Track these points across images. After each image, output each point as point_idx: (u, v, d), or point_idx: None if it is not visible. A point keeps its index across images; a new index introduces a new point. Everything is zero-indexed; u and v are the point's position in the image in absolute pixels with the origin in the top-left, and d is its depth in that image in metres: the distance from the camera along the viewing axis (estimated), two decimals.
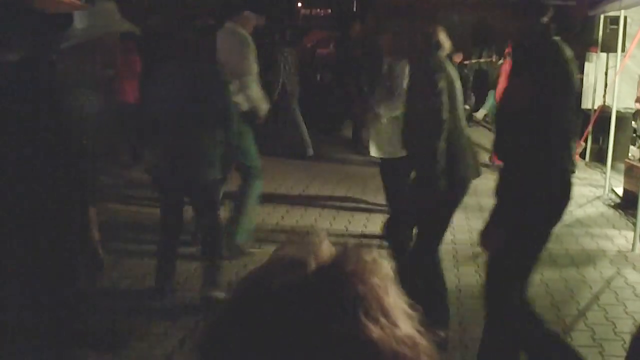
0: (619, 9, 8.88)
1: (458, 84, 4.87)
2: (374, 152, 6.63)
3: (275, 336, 0.88)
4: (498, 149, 4.16)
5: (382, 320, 0.92)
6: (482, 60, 14.94)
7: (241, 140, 6.21)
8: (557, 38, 3.92)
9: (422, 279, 4.93)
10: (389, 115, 6.42)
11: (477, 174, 4.97)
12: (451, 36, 4.97)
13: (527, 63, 3.88)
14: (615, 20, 9.58)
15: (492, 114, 12.56)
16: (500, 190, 3.95)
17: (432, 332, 0.97)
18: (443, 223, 4.97)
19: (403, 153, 6.22)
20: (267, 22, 8.34)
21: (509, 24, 4.13)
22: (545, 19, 3.92)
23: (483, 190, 5.98)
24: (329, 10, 22.09)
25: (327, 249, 0.98)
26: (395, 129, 6.39)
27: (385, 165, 6.63)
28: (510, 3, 4.00)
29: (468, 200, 6.56)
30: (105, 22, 4.47)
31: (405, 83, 6.28)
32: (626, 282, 6.26)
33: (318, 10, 22.58)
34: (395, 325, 0.93)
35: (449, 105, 4.65)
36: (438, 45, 4.85)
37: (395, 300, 0.95)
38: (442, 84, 4.64)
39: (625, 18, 9.29)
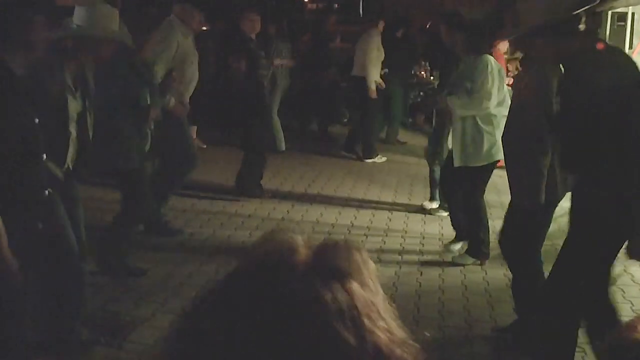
0: (627, 6, 8.85)
1: None
2: (460, 161, 6.37)
3: (270, 341, 0.85)
4: (569, 164, 3.99)
5: (382, 324, 0.90)
6: None
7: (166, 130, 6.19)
8: (603, 43, 3.78)
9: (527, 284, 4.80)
10: (462, 113, 6.30)
11: None
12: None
13: (579, 74, 3.73)
14: (622, 17, 9.55)
15: None
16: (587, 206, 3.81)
17: (416, 333, 0.96)
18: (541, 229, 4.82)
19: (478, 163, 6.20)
20: (265, 16, 8.35)
21: (546, 46, 3.88)
22: (581, 27, 3.75)
23: (504, 188, 5.86)
24: (336, 5, 22.11)
25: (308, 246, 0.95)
26: (473, 136, 6.29)
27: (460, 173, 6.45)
28: (542, 28, 3.77)
29: (489, 197, 6.56)
30: (103, 27, 4.53)
31: (487, 84, 6.14)
32: (633, 279, 6.23)
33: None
34: (392, 328, 0.91)
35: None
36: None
37: (384, 301, 0.94)
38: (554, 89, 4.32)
39: (633, 15, 9.27)
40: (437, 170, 7.66)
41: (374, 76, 10.67)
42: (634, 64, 3.81)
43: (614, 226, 3.75)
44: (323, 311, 0.86)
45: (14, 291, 3.75)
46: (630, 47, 9.31)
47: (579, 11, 3.68)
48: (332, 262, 0.92)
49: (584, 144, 3.72)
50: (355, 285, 0.89)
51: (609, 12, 9.82)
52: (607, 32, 10.01)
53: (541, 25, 3.77)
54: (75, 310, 4.57)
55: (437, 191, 7.98)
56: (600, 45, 3.75)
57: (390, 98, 11.64)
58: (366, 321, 0.87)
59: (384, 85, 11.21)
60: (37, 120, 3.68)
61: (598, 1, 3.78)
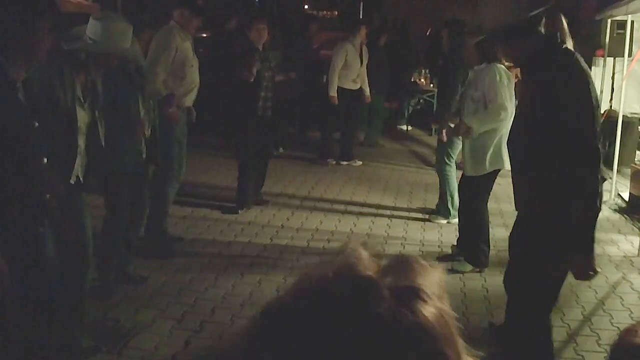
0: (626, 14, 8.86)
1: None
2: (468, 171, 6.34)
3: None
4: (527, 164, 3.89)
5: (464, 350, 0.85)
6: None
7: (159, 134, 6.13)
8: (564, 47, 3.76)
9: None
10: (482, 130, 6.20)
11: None
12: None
13: (536, 75, 3.73)
14: (622, 25, 9.55)
15: None
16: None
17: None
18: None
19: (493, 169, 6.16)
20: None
21: (509, 50, 3.95)
22: (540, 29, 3.77)
23: (503, 196, 5.87)
24: (336, 13, 22.18)
25: (379, 262, 0.88)
26: (488, 143, 6.22)
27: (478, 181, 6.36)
28: (498, 30, 3.80)
29: (488, 205, 6.58)
30: (117, 43, 4.57)
31: (500, 95, 6.06)
32: (632, 287, 6.24)
33: (325, 12, 22.60)
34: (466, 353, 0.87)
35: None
36: (565, 39, 3.90)
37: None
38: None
39: (632, 23, 9.27)
40: (451, 180, 7.65)
41: (342, 83, 10.84)
42: (586, 69, 3.79)
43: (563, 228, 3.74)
44: (432, 337, 0.80)
45: (13, 297, 3.76)
46: (630, 54, 9.32)
47: (535, 13, 3.68)
48: (418, 282, 0.84)
49: (538, 144, 3.72)
50: (444, 307, 0.84)
51: (609, 20, 9.84)
52: (607, 40, 10.01)
53: (500, 28, 3.78)
54: (76, 318, 4.58)
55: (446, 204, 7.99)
56: (560, 47, 3.75)
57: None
58: (460, 348, 0.84)
59: (368, 96, 11.34)
60: (36, 124, 3.70)
61: (552, 3, 3.76)
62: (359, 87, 11.07)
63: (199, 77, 7.00)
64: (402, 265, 0.87)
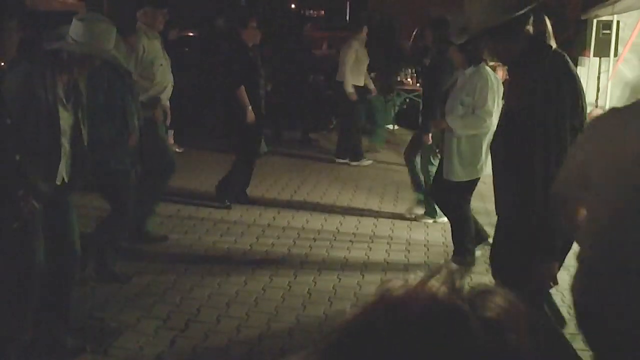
0: (612, 14, 8.90)
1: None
2: (458, 176, 6.30)
3: None
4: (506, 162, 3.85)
5: None
6: None
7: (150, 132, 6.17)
8: (552, 47, 3.72)
9: None
10: (463, 133, 6.21)
11: None
12: None
13: (523, 75, 3.70)
14: (608, 25, 9.60)
15: None
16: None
17: None
18: None
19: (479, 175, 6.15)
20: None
21: (496, 49, 3.86)
22: (529, 28, 3.73)
23: (489, 195, 5.77)
24: (322, 12, 22.19)
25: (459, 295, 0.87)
26: (474, 147, 6.22)
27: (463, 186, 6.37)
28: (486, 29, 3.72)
29: (474, 204, 6.58)
30: (100, 45, 4.50)
31: (488, 102, 6.01)
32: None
33: (311, 11, 22.60)
34: None
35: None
36: (549, 40, 3.75)
37: None
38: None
39: (618, 23, 9.32)
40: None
41: (355, 81, 10.86)
42: (574, 73, 3.76)
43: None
44: None
45: None
46: (615, 55, 9.37)
47: (520, 13, 3.63)
48: (502, 312, 0.85)
49: (517, 145, 3.69)
50: (526, 337, 0.84)
51: (595, 20, 9.87)
52: (593, 40, 10.04)
53: (486, 28, 3.74)
54: (60, 319, 4.55)
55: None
56: (549, 48, 3.71)
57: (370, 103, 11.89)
58: None
59: (374, 90, 11.39)
60: (8, 122, 3.68)
61: (539, 2, 3.71)
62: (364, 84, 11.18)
63: (172, 75, 6.97)
64: (485, 294, 0.87)
